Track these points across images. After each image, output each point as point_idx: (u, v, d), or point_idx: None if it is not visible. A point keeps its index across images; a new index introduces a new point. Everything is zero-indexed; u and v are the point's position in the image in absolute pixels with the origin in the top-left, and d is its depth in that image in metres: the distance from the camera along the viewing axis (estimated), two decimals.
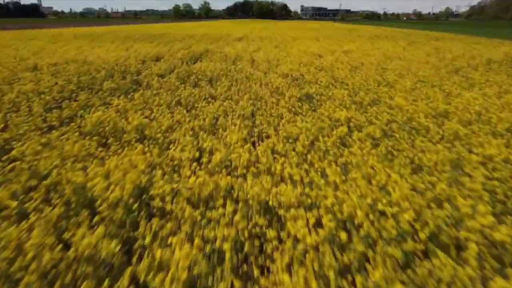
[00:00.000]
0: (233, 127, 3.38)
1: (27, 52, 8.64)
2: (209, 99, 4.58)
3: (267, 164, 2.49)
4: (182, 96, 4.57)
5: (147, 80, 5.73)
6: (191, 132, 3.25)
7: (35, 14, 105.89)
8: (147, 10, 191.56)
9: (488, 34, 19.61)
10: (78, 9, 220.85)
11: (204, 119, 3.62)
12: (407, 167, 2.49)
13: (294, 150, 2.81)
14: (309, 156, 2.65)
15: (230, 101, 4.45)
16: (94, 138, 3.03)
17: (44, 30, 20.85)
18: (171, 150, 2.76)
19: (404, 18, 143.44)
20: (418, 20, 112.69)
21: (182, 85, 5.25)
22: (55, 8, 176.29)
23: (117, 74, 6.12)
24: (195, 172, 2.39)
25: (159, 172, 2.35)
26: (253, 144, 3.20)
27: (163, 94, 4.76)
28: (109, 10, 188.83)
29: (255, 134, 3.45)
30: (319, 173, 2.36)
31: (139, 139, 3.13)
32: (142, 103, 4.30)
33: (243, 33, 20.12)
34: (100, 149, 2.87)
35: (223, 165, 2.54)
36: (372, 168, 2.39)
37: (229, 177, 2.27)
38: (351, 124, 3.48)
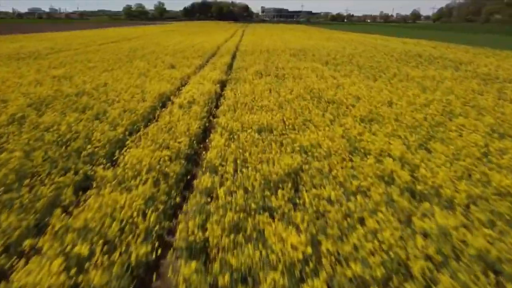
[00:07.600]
0: None
1: None
2: None
3: None
4: None
5: None
6: None
7: None
8: (98, 11, 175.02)
9: None
10: (23, 9, 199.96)
11: None
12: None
13: None
14: None
15: None
16: None
17: None
18: None
19: (368, 20, 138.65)
20: (386, 22, 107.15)
21: None
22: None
23: None
24: None
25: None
26: None
27: None
28: (59, 10, 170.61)
29: None
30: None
31: None
32: None
33: None
34: None
35: None
36: None
37: None
38: None
